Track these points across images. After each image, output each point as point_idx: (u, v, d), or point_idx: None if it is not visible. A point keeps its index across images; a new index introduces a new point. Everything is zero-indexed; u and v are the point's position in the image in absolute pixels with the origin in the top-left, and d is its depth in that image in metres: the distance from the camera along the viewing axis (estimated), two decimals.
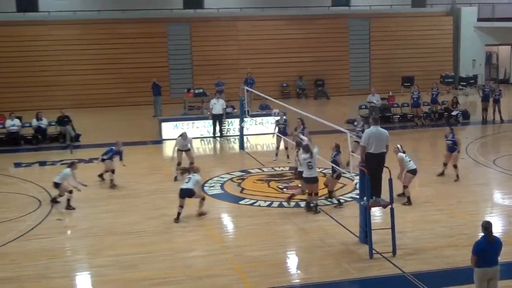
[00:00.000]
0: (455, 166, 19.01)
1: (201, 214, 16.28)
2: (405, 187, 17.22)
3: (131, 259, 13.59)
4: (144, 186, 19.44)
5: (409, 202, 17.03)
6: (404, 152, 17.47)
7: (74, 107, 31.94)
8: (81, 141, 26.15)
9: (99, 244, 14.59)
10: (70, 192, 17.40)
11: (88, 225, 15.98)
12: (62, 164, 21.06)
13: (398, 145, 17.56)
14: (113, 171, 19.44)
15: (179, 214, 15.99)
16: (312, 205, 16.58)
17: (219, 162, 20.10)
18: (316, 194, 16.62)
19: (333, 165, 17.03)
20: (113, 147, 19.85)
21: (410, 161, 17.37)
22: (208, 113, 26.65)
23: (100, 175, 19.85)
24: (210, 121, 26.32)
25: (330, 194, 17.39)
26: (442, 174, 19.66)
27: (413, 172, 17.25)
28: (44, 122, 26.02)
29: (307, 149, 16.64)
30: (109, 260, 13.59)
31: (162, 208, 17.12)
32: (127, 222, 16.05)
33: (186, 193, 16.00)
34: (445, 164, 19.50)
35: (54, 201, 17.64)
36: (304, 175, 16.57)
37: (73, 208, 17.27)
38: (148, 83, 32.19)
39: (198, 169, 16.77)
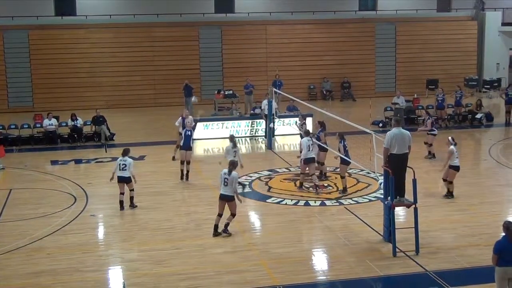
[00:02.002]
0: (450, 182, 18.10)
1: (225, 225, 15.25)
2: (450, 182, 17.70)
3: (162, 255, 13.95)
4: (175, 184, 19.88)
5: (451, 195, 17.55)
6: (455, 145, 17.82)
7: (107, 108, 32.56)
8: (115, 140, 26.69)
9: (130, 240, 15.00)
10: (132, 189, 17.28)
11: (120, 221, 16.45)
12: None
13: (450, 138, 18.05)
14: (188, 162, 19.88)
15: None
16: (309, 186, 18.52)
17: (247, 161, 20.40)
18: (314, 174, 18.25)
19: (316, 141, 18.82)
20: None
21: (457, 157, 17.76)
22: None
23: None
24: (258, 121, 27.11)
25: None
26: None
27: (456, 168, 17.63)
28: (79, 122, 26.64)
29: (307, 133, 18.78)
30: (140, 255, 13.96)
31: (191, 206, 17.60)
32: (158, 219, 16.47)
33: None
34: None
35: (131, 203, 17.30)
36: (302, 156, 18.33)
37: (137, 206, 17.34)
38: (180, 84, 32.74)
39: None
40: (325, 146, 19.61)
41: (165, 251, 14.22)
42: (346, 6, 39.68)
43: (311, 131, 20.52)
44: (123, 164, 17.05)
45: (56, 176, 21.14)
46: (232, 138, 18.86)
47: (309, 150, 18.47)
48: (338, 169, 20.13)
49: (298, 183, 19.18)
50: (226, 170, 14.90)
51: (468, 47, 39.62)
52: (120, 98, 35.34)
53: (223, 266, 13.32)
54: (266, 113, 25.73)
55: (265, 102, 26.15)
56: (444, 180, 17.96)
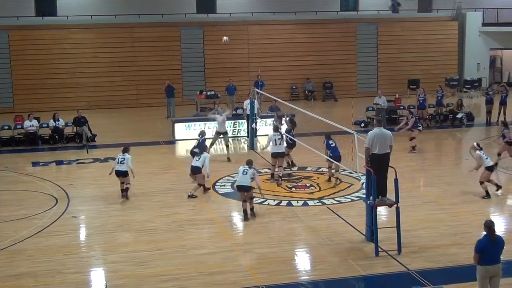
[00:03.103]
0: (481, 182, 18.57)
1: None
2: (481, 183, 17.99)
3: (144, 256, 13.93)
4: (157, 185, 19.84)
5: (488, 195, 17.81)
6: (481, 149, 18.13)
7: (89, 109, 32.41)
8: (97, 141, 26.57)
9: (112, 241, 14.97)
10: (129, 183, 18.28)
11: (102, 222, 16.36)
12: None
13: (475, 143, 18.49)
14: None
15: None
16: (276, 177, 19.47)
17: (229, 161, 20.44)
18: (280, 166, 19.59)
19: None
20: (203, 137, 20.56)
21: (487, 158, 18.06)
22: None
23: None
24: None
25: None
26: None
27: (490, 169, 17.95)
28: (61, 123, 26.48)
29: (275, 129, 19.93)
30: (122, 257, 13.92)
31: (174, 207, 17.53)
32: (140, 220, 16.42)
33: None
34: None
35: (125, 193, 18.27)
36: (272, 150, 19.44)
37: (128, 198, 18.19)
38: (162, 85, 32.67)
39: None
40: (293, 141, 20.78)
41: (147, 252, 14.19)
42: (328, 7, 39.77)
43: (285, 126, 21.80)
44: (121, 159, 18.15)
45: (37, 178, 21.01)
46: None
47: (275, 145, 19.42)
48: (321, 169, 20.43)
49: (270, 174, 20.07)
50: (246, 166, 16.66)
51: (449, 47, 39.88)
52: (102, 99, 35.19)
53: (206, 267, 13.32)
54: (248, 113, 25.75)
55: (247, 102, 26.17)
56: (482, 183, 18.08)
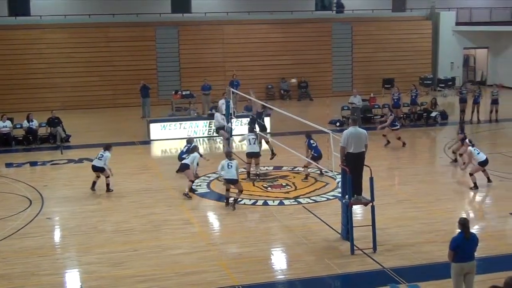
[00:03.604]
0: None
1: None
2: (471, 174, 18.56)
3: (119, 257, 13.83)
4: (132, 185, 19.72)
5: (475, 187, 18.37)
6: (473, 146, 18.77)
7: (64, 109, 32.16)
8: (71, 142, 26.34)
9: (88, 242, 14.83)
10: (108, 176, 18.68)
11: (77, 224, 16.22)
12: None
13: (467, 140, 19.40)
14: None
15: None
16: (253, 176, 19.87)
17: (205, 161, 20.42)
18: (257, 164, 20.00)
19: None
20: (191, 144, 20.34)
21: (479, 153, 18.56)
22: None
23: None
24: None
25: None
26: None
27: (483, 163, 18.48)
28: (35, 124, 26.23)
29: (251, 129, 20.62)
30: (97, 258, 13.81)
31: (149, 207, 17.43)
32: (115, 221, 16.33)
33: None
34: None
35: (108, 188, 18.75)
36: (246, 150, 19.81)
37: (112, 190, 18.73)
38: (137, 85, 32.51)
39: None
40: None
41: (123, 253, 14.11)
42: (303, 6, 39.86)
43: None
44: (100, 155, 18.71)
45: (11, 179, 20.80)
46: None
47: (250, 144, 19.76)
48: (297, 168, 20.50)
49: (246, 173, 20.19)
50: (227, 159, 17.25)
51: (423, 47, 40.18)
52: (77, 99, 34.92)
53: (182, 267, 13.28)
54: (224, 113, 25.75)
55: (221, 101, 26.19)
56: (471, 174, 18.71)
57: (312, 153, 19.44)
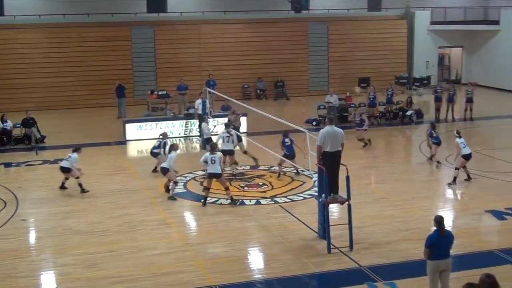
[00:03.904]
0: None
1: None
2: (456, 168, 18.80)
3: (95, 258, 13.77)
4: (108, 186, 19.62)
5: (454, 182, 18.65)
6: (460, 137, 18.97)
7: (39, 109, 31.85)
8: (46, 143, 26.04)
9: (63, 244, 14.74)
10: (78, 177, 18.72)
11: (52, 225, 16.10)
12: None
13: (455, 131, 19.44)
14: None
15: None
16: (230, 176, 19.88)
17: (181, 161, 20.39)
18: (233, 163, 20.19)
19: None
20: (164, 139, 20.57)
21: (464, 147, 18.78)
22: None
23: (155, 169, 20.58)
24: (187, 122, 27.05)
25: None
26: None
27: (466, 157, 18.76)
28: (9, 124, 25.94)
29: (226, 125, 20.58)
30: (73, 259, 13.74)
31: (125, 208, 17.36)
32: (91, 222, 16.23)
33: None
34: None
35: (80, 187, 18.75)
36: (220, 147, 19.49)
37: (88, 191, 18.67)
38: (112, 85, 32.29)
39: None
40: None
41: (98, 254, 14.04)
42: (279, 6, 39.86)
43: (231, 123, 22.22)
44: (68, 156, 18.95)
45: None
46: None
47: (224, 142, 19.85)
48: (274, 168, 20.57)
49: None
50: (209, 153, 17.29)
51: (398, 46, 40.38)
52: (52, 99, 34.56)
53: (159, 268, 13.25)
54: (200, 113, 25.71)
55: (198, 102, 26.11)
56: (457, 169, 19.02)
57: (285, 151, 19.48)
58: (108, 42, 35.45)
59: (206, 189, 17.48)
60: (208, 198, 17.60)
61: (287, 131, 19.74)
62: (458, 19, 41.12)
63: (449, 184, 18.83)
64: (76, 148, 19.37)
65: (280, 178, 19.90)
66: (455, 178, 18.87)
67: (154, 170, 20.62)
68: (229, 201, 17.48)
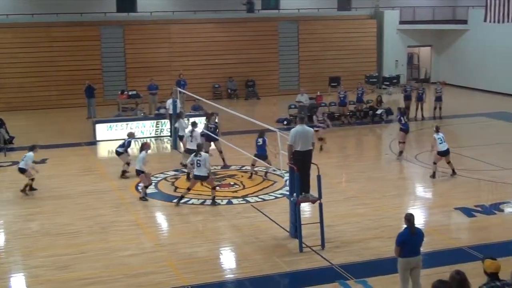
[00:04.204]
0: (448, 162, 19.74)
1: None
2: (434, 163, 19.42)
3: (66, 260, 13.65)
4: (78, 187, 19.43)
5: (433, 176, 19.27)
6: (438, 133, 19.30)
7: (8, 110, 31.48)
8: (15, 144, 25.66)
9: (33, 245, 14.60)
10: (33, 179, 18.57)
11: (21, 227, 15.93)
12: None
13: (434, 127, 19.66)
14: (128, 164, 20.10)
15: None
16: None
17: (152, 162, 20.28)
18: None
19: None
20: (129, 139, 20.44)
21: (441, 143, 19.07)
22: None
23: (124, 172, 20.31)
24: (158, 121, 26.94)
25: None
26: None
27: (441, 153, 19.12)
28: None
29: (193, 125, 20.23)
30: (43, 261, 13.62)
31: (96, 209, 17.22)
32: (61, 223, 16.08)
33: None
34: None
35: (31, 189, 18.60)
36: (188, 147, 19.55)
37: (36, 189, 18.67)
38: (82, 85, 32.01)
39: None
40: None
41: (69, 255, 13.91)
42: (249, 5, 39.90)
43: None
44: (23, 156, 18.73)
45: None
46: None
47: (191, 142, 19.78)
48: (245, 167, 20.59)
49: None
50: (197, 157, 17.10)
51: (368, 45, 40.63)
52: (21, 100, 34.12)
53: (130, 269, 13.17)
54: (171, 113, 25.61)
55: (169, 101, 26.01)
56: (434, 163, 19.43)
57: (256, 151, 19.47)
58: (77, 42, 35.13)
59: (188, 190, 17.32)
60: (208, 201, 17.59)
61: (263, 131, 19.52)
62: (426, 19, 41.49)
63: (431, 176, 19.37)
64: (32, 147, 19.05)
65: (252, 178, 19.89)
66: (434, 173, 19.25)
67: (123, 175, 20.36)
68: (201, 201, 17.44)
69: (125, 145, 20.37)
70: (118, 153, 20.49)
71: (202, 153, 17.30)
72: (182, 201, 17.44)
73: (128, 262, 13.56)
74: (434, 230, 15.03)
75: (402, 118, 21.92)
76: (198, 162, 17.05)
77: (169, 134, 26.15)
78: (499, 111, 31.63)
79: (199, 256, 13.82)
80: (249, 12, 39.64)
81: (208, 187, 17.80)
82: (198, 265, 13.31)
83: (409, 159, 22.18)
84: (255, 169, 20.15)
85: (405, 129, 21.81)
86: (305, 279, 12.77)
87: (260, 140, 19.52)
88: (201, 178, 17.24)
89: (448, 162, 19.42)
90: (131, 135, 21.07)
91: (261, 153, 19.31)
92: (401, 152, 21.97)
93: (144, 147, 18.62)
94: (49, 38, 34.90)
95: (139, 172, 18.12)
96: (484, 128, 28.25)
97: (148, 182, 18.34)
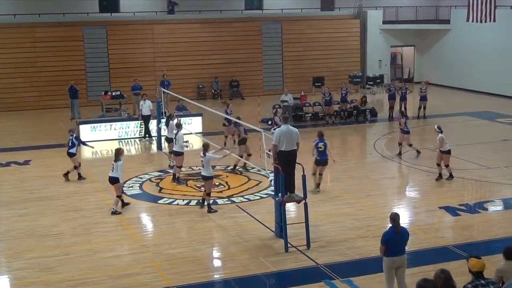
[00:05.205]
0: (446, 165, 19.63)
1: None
2: (438, 164, 19.33)
3: (50, 261, 13.59)
4: (61, 188, 19.34)
5: (440, 177, 19.24)
6: (442, 132, 19.17)
7: None
8: None
9: (17, 247, 14.51)
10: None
11: (5, 229, 15.83)
12: None
13: (436, 126, 19.54)
14: (79, 164, 19.96)
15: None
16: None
17: (137, 162, 20.21)
18: (179, 166, 19.39)
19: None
20: (74, 135, 20.11)
21: (446, 142, 19.07)
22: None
23: (66, 174, 20.05)
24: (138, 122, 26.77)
25: None
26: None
27: (449, 152, 19.09)
28: None
29: (178, 126, 19.86)
30: (27, 263, 13.54)
31: (80, 210, 17.13)
32: (45, 225, 15.99)
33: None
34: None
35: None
36: (174, 149, 19.36)
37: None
38: (65, 86, 31.84)
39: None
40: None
41: (53, 257, 13.84)
42: (232, 5, 39.89)
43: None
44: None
45: None
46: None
47: (174, 144, 19.65)
48: (230, 167, 20.59)
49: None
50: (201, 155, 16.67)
51: (351, 45, 40.75)
52: (3, 101, 33.90)
53: (115, 270, 13.13)
54: (144, 114, 25.68)
55: (141, 102, 26.13)
56: (438, 164, 19.31)
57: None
58: (60, 42, 34.96)
59: (207, 194, 17.01)
60: (164, 199, 17.49)
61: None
62: (409, 19, 41.66)
63: (436, 180, 19.25)
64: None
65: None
66: (440, 174, 19.29)
67: (66, 176, 20.05)
68: (186, 201, 17.41)
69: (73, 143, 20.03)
70: (70, 155, 20.11)
71: (207, 153, 16.77)
72: (167, 201, 17.40)
73: (112, 263, 13.51)
74: (419, 229, 15.09)
75: (406, 122, 22.13)
76: (202, 162, 16.85)
77: (154, 134, 25.96)
78: (482, 110, 31.82)
79: (184, 256, 13.79)
80: (170, 13, 38.88)
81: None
82: (183, 265, 13.28)
83: (393, 158, 22.26)
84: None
85: (407, 131, 21.93)
86: (291, 278, 12.79)
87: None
88: (204, 178, 17.00)
89: (447, 166, 19.30)
90: (73, 131, 20.64)
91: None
92: (400, 153, 22.08)
93: (120, 154, 17.23)
94: (32, 39, 34.70)
95: (114, 181, 16.99)
96: (468, 127, 28.41)
97: (121, 193, 17.36)
